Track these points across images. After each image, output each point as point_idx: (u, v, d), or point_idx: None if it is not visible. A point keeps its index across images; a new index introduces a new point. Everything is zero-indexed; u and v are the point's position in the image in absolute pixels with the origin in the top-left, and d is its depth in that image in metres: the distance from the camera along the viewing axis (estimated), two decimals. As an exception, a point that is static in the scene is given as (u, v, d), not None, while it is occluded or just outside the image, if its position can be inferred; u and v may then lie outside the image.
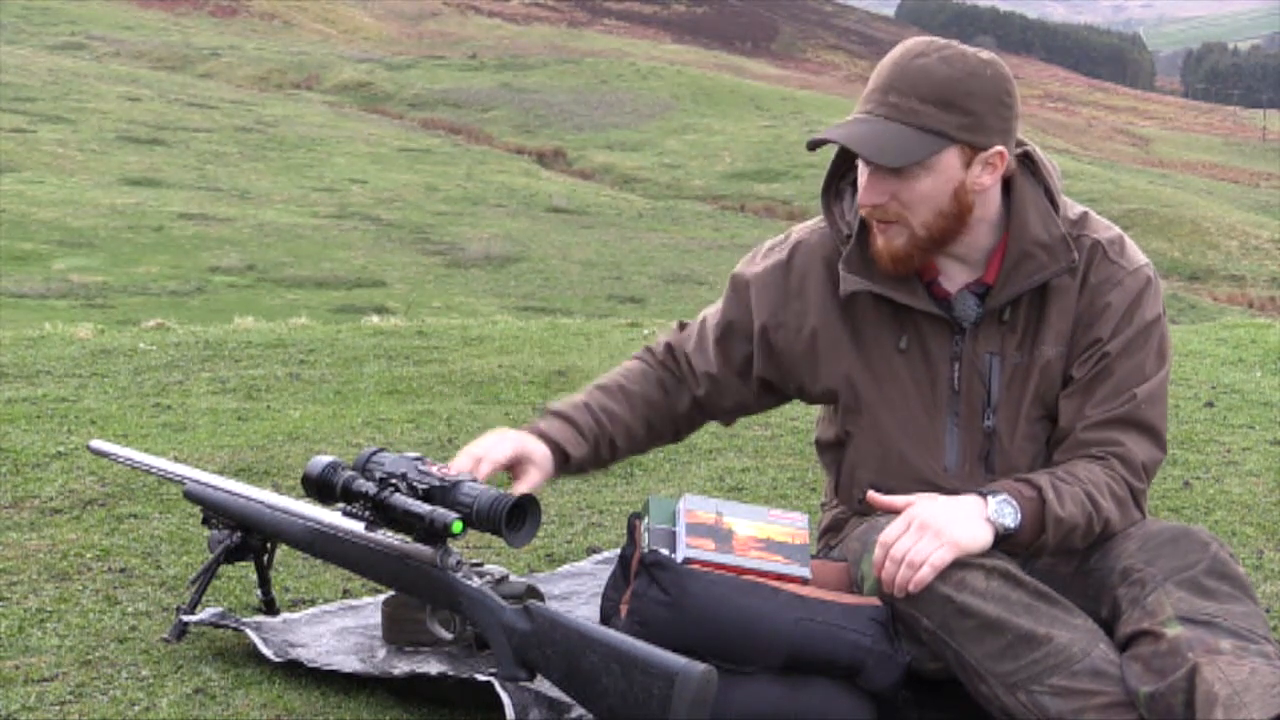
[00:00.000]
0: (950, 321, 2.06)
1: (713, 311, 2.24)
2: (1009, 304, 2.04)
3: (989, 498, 1.91)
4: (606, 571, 2.34)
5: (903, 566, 1.86)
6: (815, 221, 2.18)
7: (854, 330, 2.10)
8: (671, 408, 2.23)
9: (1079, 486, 1.95)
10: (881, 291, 2.05)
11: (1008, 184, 2.04)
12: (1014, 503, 1.91)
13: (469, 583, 1.97)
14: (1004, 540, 1.91)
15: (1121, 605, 1.89)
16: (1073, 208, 2.09)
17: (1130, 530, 1.96)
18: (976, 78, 1.94)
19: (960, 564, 1.86)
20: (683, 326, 2.27)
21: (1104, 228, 2.08)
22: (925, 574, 1.84)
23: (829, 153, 2.11)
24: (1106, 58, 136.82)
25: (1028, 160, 2.05)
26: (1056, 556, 2.00)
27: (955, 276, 2.06)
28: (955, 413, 2.07)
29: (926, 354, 2.07)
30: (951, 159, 1.95)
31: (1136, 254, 2.07)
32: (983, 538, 1.88)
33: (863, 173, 2.00)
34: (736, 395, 2.22)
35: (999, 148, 1.96)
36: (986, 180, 1.98)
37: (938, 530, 1.86)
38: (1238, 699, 1.70)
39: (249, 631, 2.20)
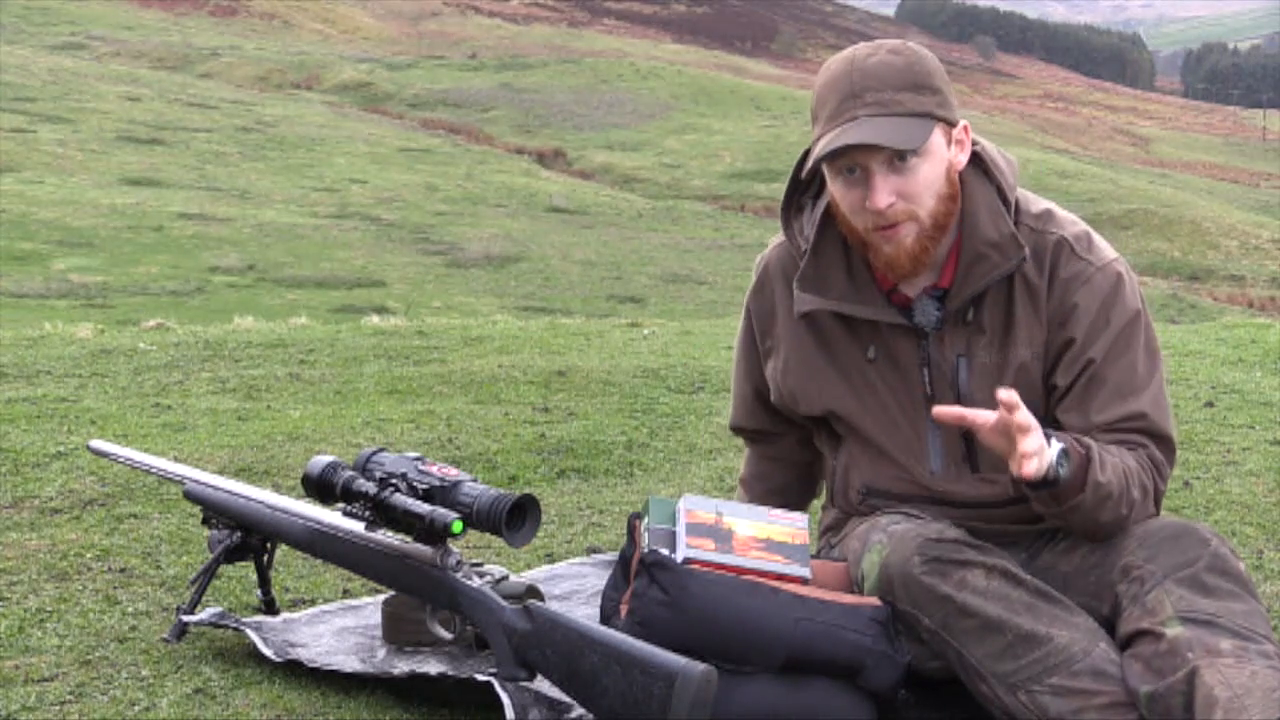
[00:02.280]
0: (914, 328, 2.05)
1: (736, 372, 2.29)
2: (970, 304, 2.02)
3: (1053, 440, 1.88)
4: (606, 571, 2.34)
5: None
6: (779, 237, 2.17)
7: (823, 345, 2.10)
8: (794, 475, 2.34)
9: (1120, 459, 1.94)
10: (836, 308, 2.04)
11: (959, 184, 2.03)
12: (1069, 456, 1.88)
13: (469, 583, 1.97)
14: (1049, 486, 1.87)
15: (1122, 603, 1.88)
16: (1035, 204, 2.07)
17: (1131, 527, 1.96)
18: (925, 60, 1.96)
19: (961, 563, 1.86)
20: (738, 430, 2.36)
21: (1070, 223, 2.06)
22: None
23: None
24: (1106, 58, 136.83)
25: (977, 160, 2.04)
26: (1071, 538, 1.98)
27: (914, 281, 2.04)
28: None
29: (895, 362, 2.06)
30: (939, 139, 1.95)
31: (1105, 249, 2.05)
32: (1040, 473, 1.84)
33: (837, 185, 1.96)
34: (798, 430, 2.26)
35: (963, 122, 1.99)
36: (962, 158, 1.99)
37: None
38: (1238, 702, 1.70)
39: (249, 631, 2.20)
